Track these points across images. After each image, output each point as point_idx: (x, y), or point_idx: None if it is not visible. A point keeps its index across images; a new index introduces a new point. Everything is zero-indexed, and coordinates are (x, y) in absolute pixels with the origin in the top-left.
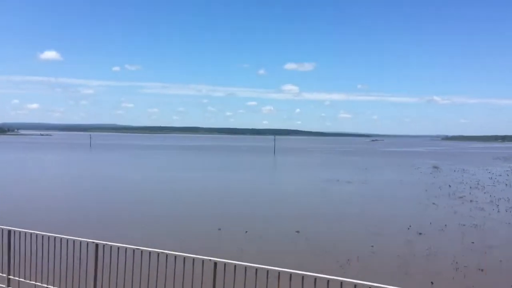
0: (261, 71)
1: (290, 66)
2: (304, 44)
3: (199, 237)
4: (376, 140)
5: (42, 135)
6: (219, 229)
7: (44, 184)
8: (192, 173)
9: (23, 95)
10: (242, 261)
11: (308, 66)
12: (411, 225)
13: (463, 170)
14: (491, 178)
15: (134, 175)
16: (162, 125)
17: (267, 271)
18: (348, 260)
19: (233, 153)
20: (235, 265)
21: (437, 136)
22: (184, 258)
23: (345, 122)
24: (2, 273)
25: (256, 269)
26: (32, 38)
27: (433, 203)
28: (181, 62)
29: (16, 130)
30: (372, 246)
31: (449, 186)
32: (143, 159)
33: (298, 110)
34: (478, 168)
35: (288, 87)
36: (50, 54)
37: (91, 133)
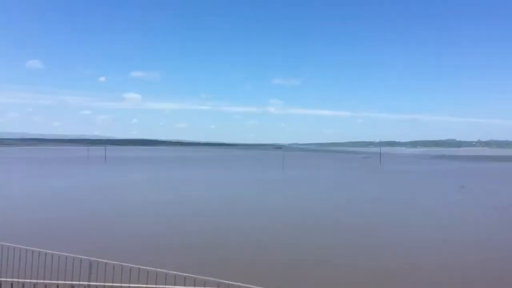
0: (248, 86)
1: (276, 81)
2: (291, 59)
3: (310, 267)
4: (367, 157)
5: (34, 139)
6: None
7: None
8: (247, 188)
9: (4, 104)
10: None
11: (295, 82)
12: None
13: (492, 189)
14: None
15: (204, 193)
16: (145, 138)
17: None
18: None
19: (243, 164)
20: None
21: (424, 156)
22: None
23: (330, 138)
24: None
25: None
26: (16, 47)
27: None
28: (165, 74)
29: None
30: None
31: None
32: (184, 175)
33: (283, 124)
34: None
35: (274, 101)
36: (33, 63)
37: (89, 146)
